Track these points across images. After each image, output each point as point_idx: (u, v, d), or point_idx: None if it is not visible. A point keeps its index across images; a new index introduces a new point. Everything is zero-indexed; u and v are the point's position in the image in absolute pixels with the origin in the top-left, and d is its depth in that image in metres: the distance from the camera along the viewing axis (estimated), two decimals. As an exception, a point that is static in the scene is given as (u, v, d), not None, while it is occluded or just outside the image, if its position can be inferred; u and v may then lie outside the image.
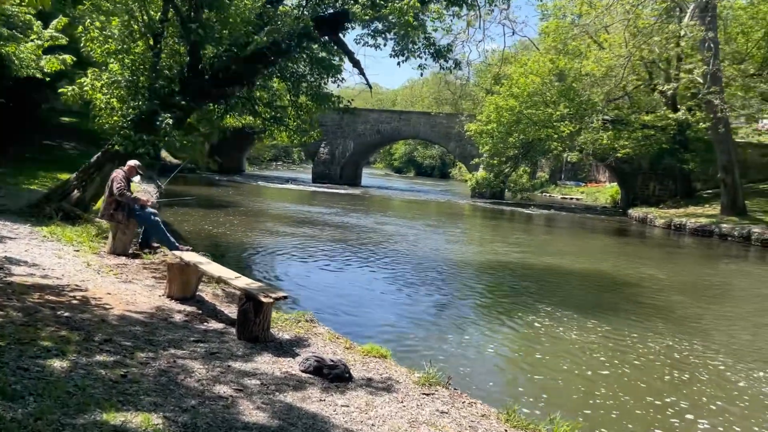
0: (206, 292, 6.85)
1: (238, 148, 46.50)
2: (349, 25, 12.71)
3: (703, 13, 24.42)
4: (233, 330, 5.40)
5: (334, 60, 12.53)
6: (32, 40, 16.98)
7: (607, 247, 20.63)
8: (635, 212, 31.71)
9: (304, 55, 12.09)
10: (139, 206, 8.62)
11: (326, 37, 12.39)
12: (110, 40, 10.80)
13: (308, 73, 12.89)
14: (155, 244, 9.07)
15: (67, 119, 38.84)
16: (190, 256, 6.42)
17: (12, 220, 9.58)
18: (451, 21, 14.63)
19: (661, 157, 34.01)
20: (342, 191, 37.85)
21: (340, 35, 12.65)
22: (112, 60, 11.10)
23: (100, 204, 11.98)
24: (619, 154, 32.30)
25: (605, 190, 48.51)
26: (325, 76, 12.43)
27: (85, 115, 40.50)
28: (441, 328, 8.20)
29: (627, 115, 33.08)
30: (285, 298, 5.07)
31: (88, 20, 10.82)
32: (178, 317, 5.67)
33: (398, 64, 11.96)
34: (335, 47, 12.77)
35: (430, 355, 6.76)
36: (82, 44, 11.31)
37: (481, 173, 38.72)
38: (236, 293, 7.03)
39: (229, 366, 4.44)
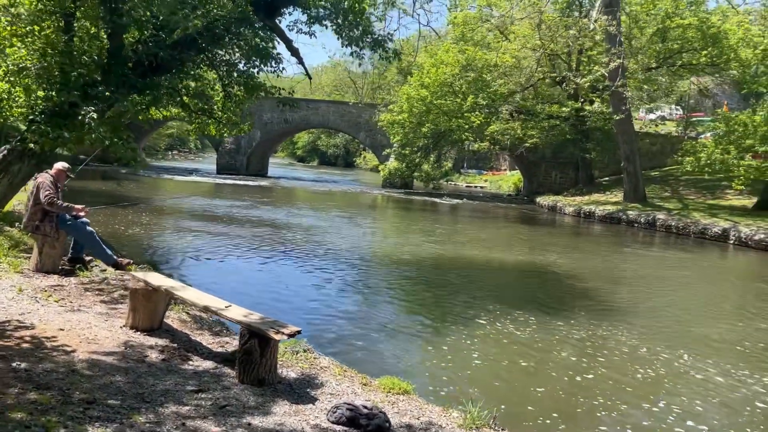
0: (170, 317, 5.95)
1: (134, 138, 43.48)
2: (287, 11, 11.94)
3: (608, 9, 25.44)
4: (228, 370, 4.62)
5: (270, 47, 11.63)
6: None
7: (523, 236, 21.06)
8: (544, 200, 32.80)
9: (241, 42, 11.11)
10: (71, 216, 7.45)
11: (262, 23, 11.51)
12: (17, 20, 9.29)
13: (240, 61, 11.93)
14: (88, 258, 7.91)
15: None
16: (158, 279, 5.50)
17: None
18: (384, 9, 14.02)
19: (563, 147, 35.49)
20: (251, 183, 36.41)
21: (277, 21, 11.82)
22: (18, 44, 9.57)
23: (8, 209, 10.48)
24: (527, 144, 33.29)
25: (507, 179, 50.09)
26: (261, 65, 11.50)
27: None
28: (401, 336, 7.70)
29: (533, 106, 34.11)
30: (299, 332, 4.36)
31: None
32: (154, 356, 4.79)
33: (352, 54, 11.19)
34: (271, 34, 11.90)
35: (421, 375, 6.29)
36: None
37: (393, 163, 38.62)
38: (204, 316, 6.21)
39: (249, 424, 3.70)
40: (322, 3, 9.33)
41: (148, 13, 9.87)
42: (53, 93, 9.89)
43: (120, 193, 24.29)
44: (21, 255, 8.06)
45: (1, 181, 9.46)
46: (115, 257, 7.83)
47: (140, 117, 11.43)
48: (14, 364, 4.04)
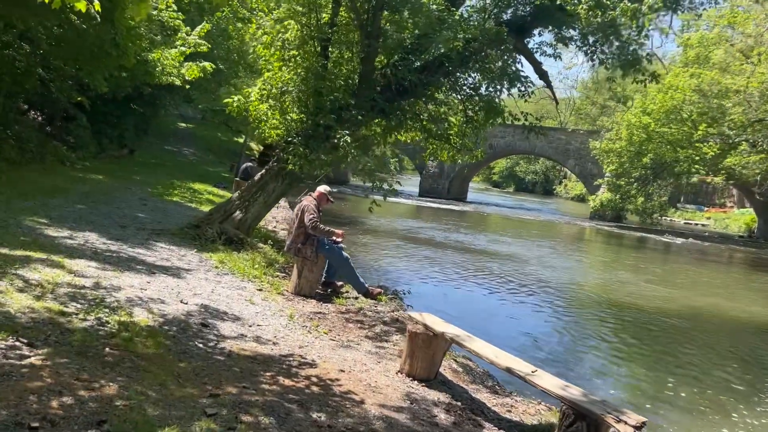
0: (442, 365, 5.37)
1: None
2: (536, 32, 11.26)
3: None
4: (537, 450, 3.86)
5: (517, 69, 10.96)
6: (176, 47, 16.49)
7: (768, 285, 17.95)
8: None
9: (487, 65, 10.58)
10: (330, 240, 7.34)
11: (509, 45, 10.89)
12: (287, 45, 9.68)
13: (481, 84, 11.41)
14: (339, 283, 7.76)
15: (183, 125, 39.58)
16: (438, 324, 4.93)
17: (175, 243, 8.58)
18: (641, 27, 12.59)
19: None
20: (454, 207, 36.22)
21: (525, 42, 11.14)
22: (282, 67, 10.01)
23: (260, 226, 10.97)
24: (775, 180, 28.85)
25: (737, 217, 44.22)
26: (507, 88, 10.85)
27: (200, 122, 41.14)
28: (679, 411, 6.42)
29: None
30: (644, 424, 3.45)
31: (268, 25, 9.75)
32: (442, 416, 4.18)
33: (614, 79, 10.21)
34: (515, 55, 11.25)
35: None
36: (251, 50, 10.31)
37: (605, 194, 35.97)
38: (472, 365, 5.54)
39: None
40: (597, 20, 8.37)
41: (404, 34, 9.79)
42: (303, 116, 10.19)
43: (334, 212, 25.33)
44: (277, 274, 8.17)
45: (257, 199, 9.86)
46: (366, 285, 7.58)
47: (383, 141, 11.41)
48: (315, 415, 3.64)
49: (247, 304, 6.09)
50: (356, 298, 7.43)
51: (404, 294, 8.59)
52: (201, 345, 4.46)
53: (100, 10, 4.98)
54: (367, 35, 9.77)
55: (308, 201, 7.38)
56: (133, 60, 12.88)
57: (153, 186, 15.31)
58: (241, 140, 38.23)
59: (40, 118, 18.25)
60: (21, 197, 9.46)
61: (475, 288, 12.41)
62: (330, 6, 10.38)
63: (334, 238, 7.31)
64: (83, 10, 4.63)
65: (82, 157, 17.31)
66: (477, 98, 11.37)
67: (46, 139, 16.42)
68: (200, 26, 17.38)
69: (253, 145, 32.06)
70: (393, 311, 7.01)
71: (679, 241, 29.45)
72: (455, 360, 5.66)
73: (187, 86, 17.92)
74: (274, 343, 4.93)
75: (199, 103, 21.56)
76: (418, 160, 43.72)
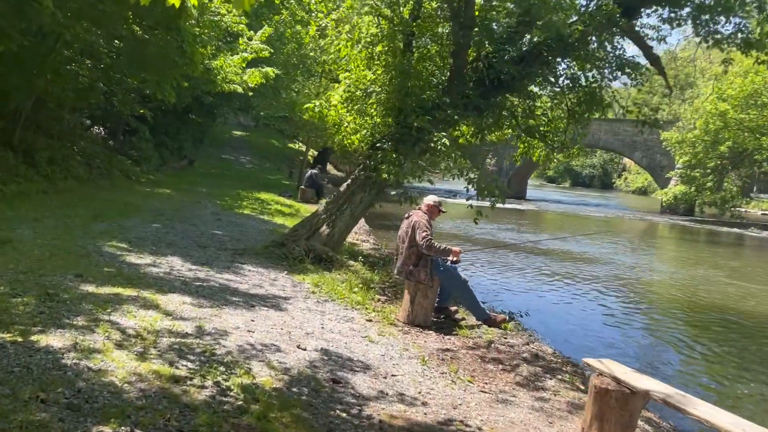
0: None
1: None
2: (646, 11, 10.07)
3: None
4: None
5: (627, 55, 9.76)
6: (238, 53, 15.85)
7: None
8: None
9: (598, 52, 9.44)
10: (446, 260, 6.35)
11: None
12: (374, 41, 8.77)
13: (582, 72, 10.23)
14: (453, 308, 6.76)
15: (238, 133, 39.39)
16: (631, 376, 3.88)
17: (262, 265, 7.77)
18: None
19: None
20: (516, 206, 34.78)
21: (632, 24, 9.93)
22: (368, 68, 9.10)
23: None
24: None
25: (820, 206, 41.29)
26: (616, 76, 9.67)
27: (253, 129, 40.86)
28: None
29: None
30: None
31: (355, 19, 8.85)
32: None
33: (730, 61, 8.95)
34: (621, 39, 10.06)
35: None
36: (332, 49, 9.43)
37: (678, 187, 33.98)
38: (659, 421, 4.45)
39: None
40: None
41: (504, 21, 8.79)
42: (390, 119, 9.28)
43: (396, 214, 24.38)
44: (378, 297, 7.24)
45: (344, 212, 8.95)
46: (488, 312, 6.58)
47: (475, 141, 10.39)
48: None
49: (366, 342, 5.16)
50: (478, 326, 6.42)
51: (520, 316, 7.54)
52: (344, 414, 3.53)
53: (197, 3, 4.15)
54: (460, 26, 8.76)
55: (418, 216, 6.39)
56: (199, 67, 12.23)
57: (221, 198, 14.68)
58: (295, 146, 37.79)
59: (103, 133, 17.94)
60: (96, 218, 8.84)
61: (561, 295, 11.46)
62: (412, -1, 9.44)
63: (450, 257, 6.30)
64: (177, 5, 3.90)
65: (146, 171, 16.88)
66: (577, 89, 10.24)
67: (110, 154, 16.02)
68: (261, 30, 16.72)
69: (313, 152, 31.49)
70: (527, 343, 5.98)
71: (766, 233, 27.36)
72: (646, 418, 4.59)
73: (250, 93, 17.26)
74: (423, 403, 3.96)
75: (261, 110, 20.93)
76: (476, 159, 42.43)
